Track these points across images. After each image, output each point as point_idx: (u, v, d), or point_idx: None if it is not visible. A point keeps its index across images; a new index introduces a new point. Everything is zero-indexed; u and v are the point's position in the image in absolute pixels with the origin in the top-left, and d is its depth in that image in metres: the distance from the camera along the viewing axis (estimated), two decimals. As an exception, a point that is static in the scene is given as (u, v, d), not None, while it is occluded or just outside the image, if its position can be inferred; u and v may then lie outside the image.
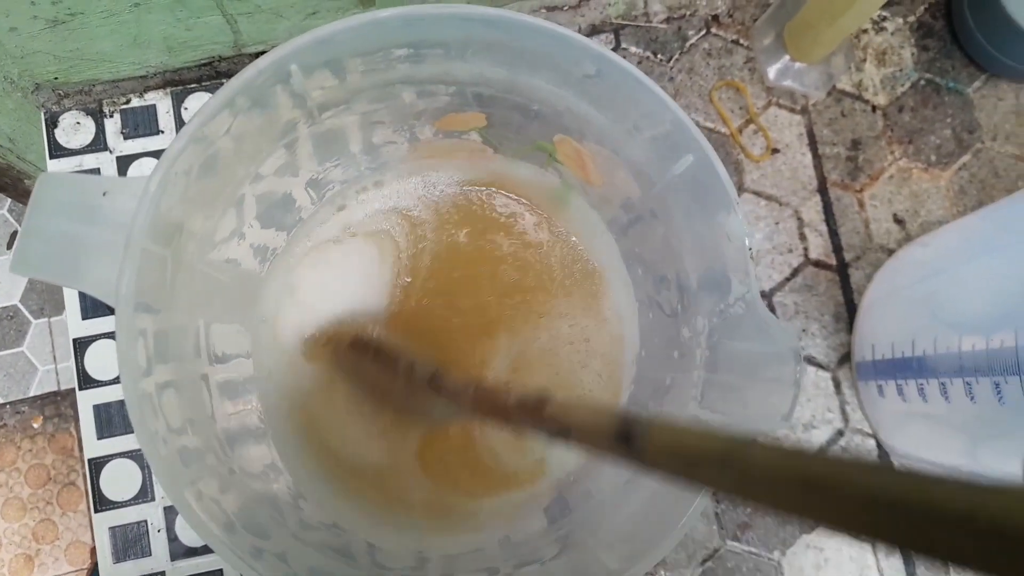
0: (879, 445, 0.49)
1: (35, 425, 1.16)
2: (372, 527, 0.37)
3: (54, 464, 1.15)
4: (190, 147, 0.25)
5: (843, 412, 0.49)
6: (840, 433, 0.49)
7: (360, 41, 0.27)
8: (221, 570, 0.46)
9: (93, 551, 1.10)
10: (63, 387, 1.17)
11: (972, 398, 0.38)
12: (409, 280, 0.42)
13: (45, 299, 1.18)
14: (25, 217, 0.24)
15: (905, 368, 0.43)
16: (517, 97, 0.33)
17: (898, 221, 0.51)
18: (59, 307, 1.18)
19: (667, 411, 0.34)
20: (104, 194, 0.24)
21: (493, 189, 0.42)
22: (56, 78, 0.48)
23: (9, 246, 1.19)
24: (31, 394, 1.17)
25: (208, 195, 0.29)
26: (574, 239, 0.43)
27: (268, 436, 0.38)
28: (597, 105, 0.31)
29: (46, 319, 1.18)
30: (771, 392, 0.27)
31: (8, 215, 1.20)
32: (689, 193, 0.30)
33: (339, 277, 0.43)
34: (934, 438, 0.44)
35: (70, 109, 0.50)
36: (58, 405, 1.17)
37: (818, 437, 0.49)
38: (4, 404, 1.16)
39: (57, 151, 0.49)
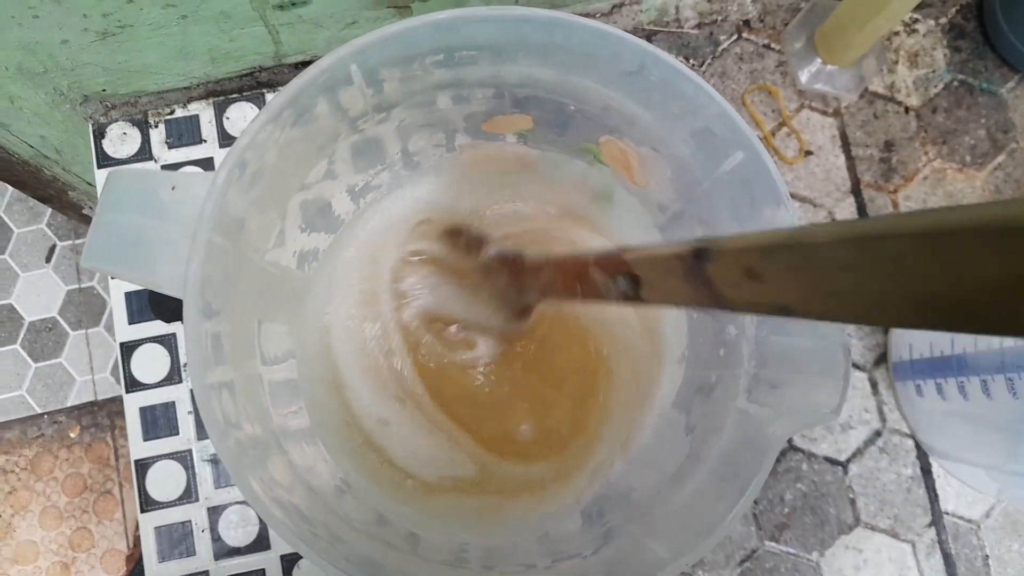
0: (917, 445, 0.49)
1: (72, 435, 1.18)
2: (415, 519, 0.37)
3: (91, 473, 1.17)
4: (253, 145, 0.26)
5: (880, 412, 0.49)
6: (878, 433, 0.49)
7: (418, 43, 0.28)
8: (264, 570, 0.47)
9: (128, 558, 1.11)
10: (100, 397, 1.19)
11: (1015, 394, 0.38)
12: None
13: (83, 311, 1.20)
14: (96, 211, 0.25)
15: (944, 367, 0.43)
16: (564, 98, 0.33)
17: (933, 221, 0.51)
18: (97, 319, 1.21)
19: (714, 407, 0.34)
20: (173, 188, 0.25)
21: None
22: (104, 90, 0.50)
23: (48, 259, 1.21)
24: (68, 404, 1.19)
25: (266, 194, 0.30)
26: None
27: (316, 433, 0.39)
28: (642, 102, 0.31)
29: (84, 330, 1.20)
30: (820, 386, 0.27)
31: (47, 229, 1.22)
32: (738, 190, 0.30)
33: (379, 282, 0.44)
34: (974, 437, 0.44)
35: (117, 120, 0.51)
36: (95, 415, 1.19)
37: (856, 437, 0.49)
38: (42, 414, 1.19)
39: (104, 161, 0.51)
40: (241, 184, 0.26)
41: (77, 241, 1.22)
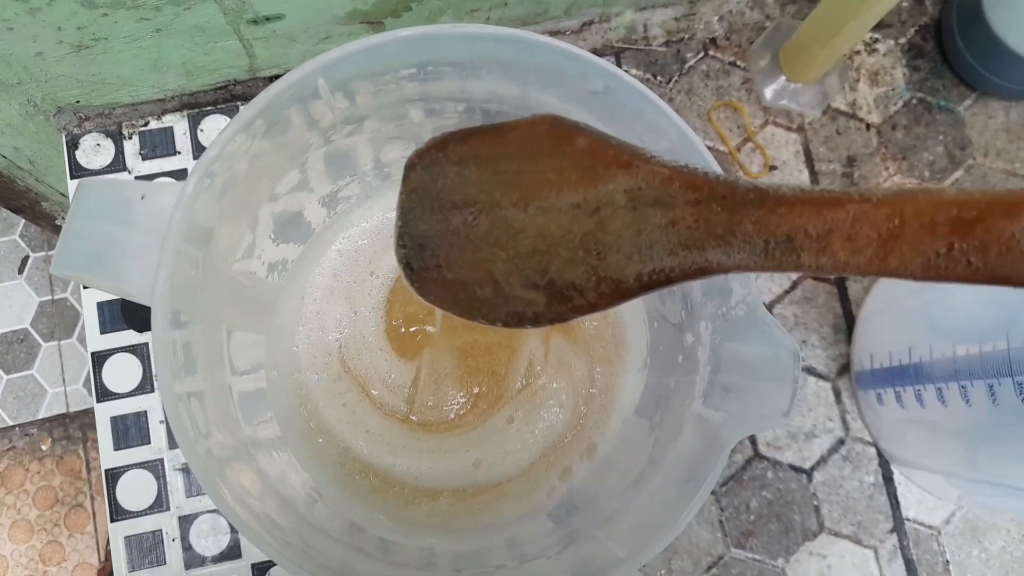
0: (879, 453, 0.50)
1: (43, 447, 1.17)
2: (386, 526, 0.38)
3: (62, 486, 1.16)
4: (222, 156, 0.27)
5: (843, 421, 0.50)
6: (841, 442, 0.50)
7: (385, 58, 0.29)
8: (234, 579, 0.47)
9: (100, 572, 1.10)
10: (72, 409, 1.18)
11: (967, 401, 0.39)
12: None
13: (55, 322, 1.19)
14: (67, 219, 0.26)
15: (903, 375, 0.44)
16: (528, 113, 0.34)
17: (893, 235, 0.52)
18: (69, 330, 1.20)
19: (672, 413, 0.35)
20: (143, 198, 0.26)
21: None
22: (78, 101, 0.50)
23: (20, 271, 1.21)
24: (40, 416, 1.18)
25: (236, 203, 0.31)
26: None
27: (286, 443, 0.39)
28: (605, 121, 0.32)
29: (56, 342, 1.19)
30: (771, 390, 0.28)
31: (20, 240, 1.22)
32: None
33: (348, 291, 0.44)
34: (932, 445, 0.45)
35: (90, 131, 0.52)
36: (67, 427, 1.18)
37: (820, 446, 0.50)
38: (13, 426, 1.17)
39: (78, 171, 0.51)
40: (210, 194, 0.27)
41: (50, 252, 1.21)
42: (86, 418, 1.18)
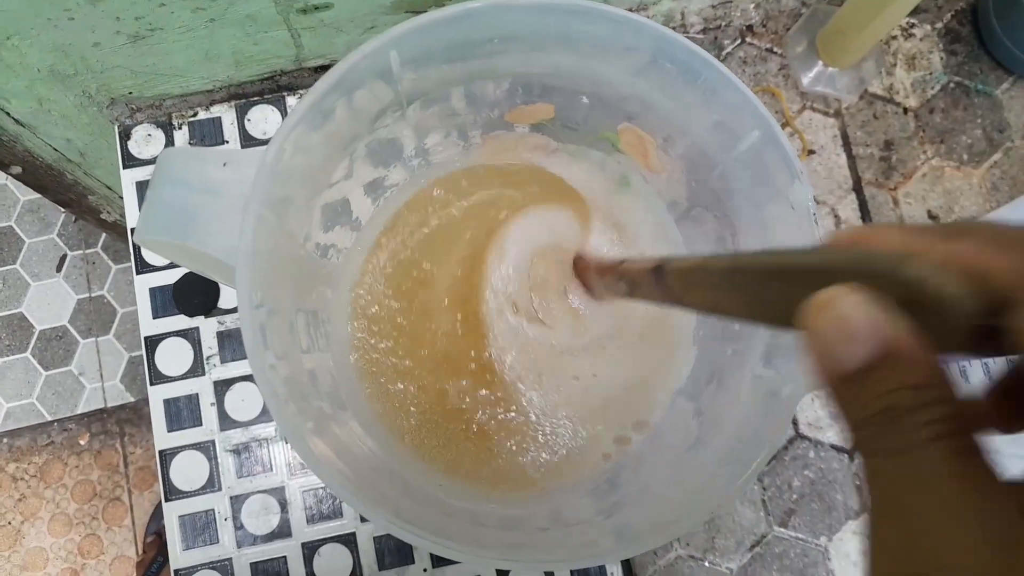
0: (921, 434, 0.50)
1: (82, 442, 1.19)
2: (439, 491, 0.39)
3: (100, 480, 1.18)
4: (300, 125, 0.28)
5: (883, 402, 0.50)
6: (882, 422, 0.50)
7: (455, 31, 0.30)
8: (285, 557, 0.48)
9: (138, 565, 1.12)
10: (110, 404, 1.20)
11: (990, 378, 0.40)
12: (470, 273, 0.44)
13: (93, 319, 1.22)
14: (150, 187, 0.27)
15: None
16: (585, 86, 0.35)
17: (932, 217, 0.53)
18: (107, 327, 1.22)
19: (730, 378, 0.35)
20: (224, 165, 0.26)
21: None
22: (131, 93, 0.52)
23: (59, 268, 1.23)
24: (78, 412, 1.20)
25: (302, 181, 0.32)
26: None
27: (353, 415, 0.40)
28: (662, 89, 0.33)
29: (94, 339, 1.22)
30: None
31: (58, 239, 1.24)
32: (752, 169, 0.32)
33: (401, 273, 0.45)
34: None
35: (142, 122, 0.53)
36: (104, 422, 1.20)
37: (830, 437, 0.50)
38: (52, 422, 1.20)
39: (130, 161, 0.52)
40: (286, 165, 0.28)
41: (87, 251, 1.23)
42: (123, 413, 1.20)
